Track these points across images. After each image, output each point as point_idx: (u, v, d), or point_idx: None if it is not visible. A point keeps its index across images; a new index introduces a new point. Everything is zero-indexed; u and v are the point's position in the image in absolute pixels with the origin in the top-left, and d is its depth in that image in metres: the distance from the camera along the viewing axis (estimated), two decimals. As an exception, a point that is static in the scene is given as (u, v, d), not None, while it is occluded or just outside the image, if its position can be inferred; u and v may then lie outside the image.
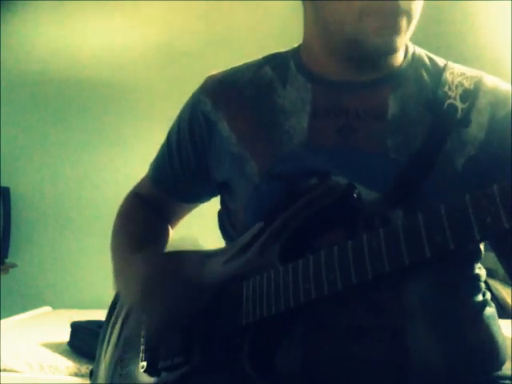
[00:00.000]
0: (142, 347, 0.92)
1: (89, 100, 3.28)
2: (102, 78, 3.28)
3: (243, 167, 0.90)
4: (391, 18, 0.81)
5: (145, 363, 0.92)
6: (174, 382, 0.88)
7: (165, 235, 1.10)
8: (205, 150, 0.97)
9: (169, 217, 1.11)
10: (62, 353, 2.13)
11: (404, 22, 0.82)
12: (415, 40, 0.95)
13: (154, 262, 0.95)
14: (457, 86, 0.87)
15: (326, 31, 0.88)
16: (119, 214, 1.10)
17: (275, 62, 0.96)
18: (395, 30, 0.82)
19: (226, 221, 0.99)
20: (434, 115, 0.85)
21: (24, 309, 2.93)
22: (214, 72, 1.01)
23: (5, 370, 2.02)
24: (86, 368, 1.99)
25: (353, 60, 0.88)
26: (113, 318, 1.03)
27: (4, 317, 2.70)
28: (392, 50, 0.85)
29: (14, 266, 3.24)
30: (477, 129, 0.85)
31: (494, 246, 0.87)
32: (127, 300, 0.98)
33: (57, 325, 2.50)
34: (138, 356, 0.93)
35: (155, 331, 0.91)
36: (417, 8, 0.84)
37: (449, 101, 0.85)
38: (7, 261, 3.24)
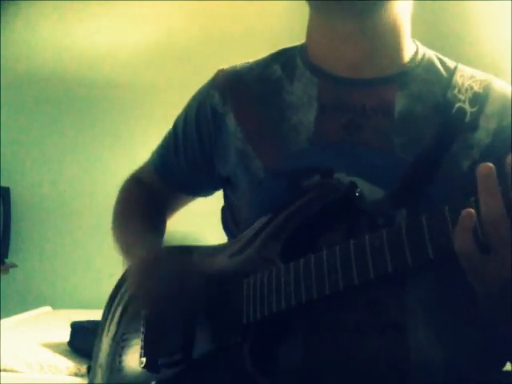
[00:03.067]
0: (141, 343, 0.92)
1: (89, 100, 3.28)
2: (101, 78, 3.28)
3: (247, 163, 0.89)
4: None
5: (144, 359, 0.92)
6: (174, 379, 0.88)
7: (163, 225, 1.10)
8: (211, 144, 0.96)
9: (166, 207, 1.11)
10: (62, 353, 2.13)
11: None
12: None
13: (158, 255, 0.93)
14: (466, 89, 0.87)
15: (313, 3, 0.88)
16: (120, 198, 1.10)
17: (283, 58, 0.96)
18: None
19: (228, 217, 0.99)
20: (443, 117, 0.84)
21: (24, 309, 2.93)
22: (213, 71, 1.01)
23: (5, 370, 2.02)
24: (85, 368, 1.99)
25: (341, 20, 0.86)
26: (111, 313, 1.03)
27: (4, 317, 2.69)
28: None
29: (14, 266, 3.24)
30: (484, 134, 0.84)
31: None
32: (130, 289, 0.95)
33: (57, 325, 2.50)
34: (137, 352, 0.93)
35: (154, 327, 0.91)
36: None
37: (458, 104, 0.85)
38: (7, 261, 3.24)
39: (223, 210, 1.02)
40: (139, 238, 0.99)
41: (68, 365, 2.04)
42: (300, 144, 0.86)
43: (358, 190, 0.78)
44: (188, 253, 0.98)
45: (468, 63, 0.93)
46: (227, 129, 0.93)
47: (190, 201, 1.13)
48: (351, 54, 0.88)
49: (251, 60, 1.00)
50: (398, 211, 0.78)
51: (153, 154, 1.09)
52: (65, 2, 3.29)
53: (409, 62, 0.90)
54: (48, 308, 3.02)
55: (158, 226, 1.08)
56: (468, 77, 0.89)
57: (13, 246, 3.26)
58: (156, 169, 1.08)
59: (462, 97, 0.86)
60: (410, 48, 0.92)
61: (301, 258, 0.77)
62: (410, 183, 0.80)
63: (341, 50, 0.89)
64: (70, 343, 2.17)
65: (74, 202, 3.27)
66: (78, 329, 2.17)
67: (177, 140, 1.03)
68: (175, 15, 3.22)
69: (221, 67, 1.01)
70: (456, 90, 0.86)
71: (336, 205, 0.79)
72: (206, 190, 1.08)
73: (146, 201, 1.09)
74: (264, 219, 0.85)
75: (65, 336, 2.18)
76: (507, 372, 0.88)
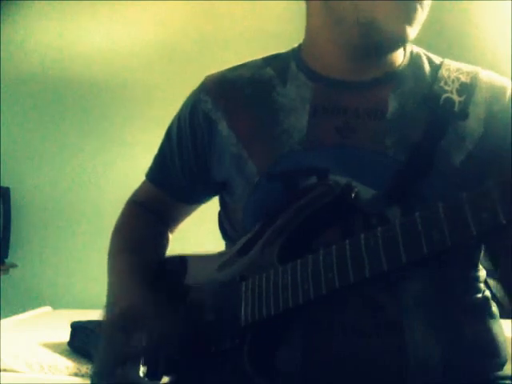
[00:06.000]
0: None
1: (89, 100, 3.28)
2: (101, 78, 3.28)
3: (242, 167, 0.90)
4: (405, 5, 0.82)
5: (145, 368, 0.91)
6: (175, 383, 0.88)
7: (162, 241, 1.09)
8: (205, 150, 0.96)
9: (168, 219, 1.11)
10: (62, 353, 2.13)
11: (417, 11, 0.83)
12: (415, 40, 0.95)
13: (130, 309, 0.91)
14: (453, 81, 0.88)
15: (339, 20, 0.86)
16: (116, 226, 1.09)
17: (276, 62, 0.96)
18: (408, 18, 0.82)
19: (225, 221, 0.99)
20: (431, 110, 0.85)
21: (24, 309, 2.92)
22: (212, 72, 1.01)
23: (5, 370, 2.02)
24: (85, 368, 1.99)
25: (364, 50, 0.87)
26: None
27: (4, 317, 2.69)
28: (404, 38, 0.85)
29: (14, 266, 3.24)
30: (475, 122, 0.85)
31: (490, 245, 0.87)
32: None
33: (57, 325, 2.49)
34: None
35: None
36: (428, 1, 0.85)
37: (445, 95, 0.86)
38: (7, 261, 3.24)
39: (220, 214, 1.01)
40: (122, 279, 0.99)
41: (68, 365, 2.03)
42: (292, 146, 0.87)
43: (355, 189, 0.78)
44: (183, 263, 0.98)
45: (468, 63, 0.93)
46: (221, 134, 0.93)
47: (190, 211, 1.12)
48: (354, 57, 0.89)
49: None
50: (391, 209, 0.78)
51: (148, 169, 1.09)
52: (64, 2, 3.29)
53: (400, 62, 0.91)
54: (48, 308, 3.02)
55: (154, 245, 1.07)
56: (454, 70, 0.90)
57: (13, 246, 3.26)
58: (153, 179, 1.07)
59: (448, 88, 0.87)
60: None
61: (299, 259, 0.77)
62: (402, 181, 0.81)
63: (346, 53, 0.89)
64: (70, 343, 2.16)
65: (74, 202, 3.27)
66: (78, 329, 2.16)
67: (171, 146, 1.02)
68: (174, 16, 3.22)
69: (220, 68, 1.01)
70: (442, 83, 0.87)
71: (332, 205, 0.79)
72: (201, 197, 1.07)
73: (141, 222, 1.08)
74: (259, 225, 0.85)
75: (65, 336, 2.18)
76: (506, 375, 0.87)
